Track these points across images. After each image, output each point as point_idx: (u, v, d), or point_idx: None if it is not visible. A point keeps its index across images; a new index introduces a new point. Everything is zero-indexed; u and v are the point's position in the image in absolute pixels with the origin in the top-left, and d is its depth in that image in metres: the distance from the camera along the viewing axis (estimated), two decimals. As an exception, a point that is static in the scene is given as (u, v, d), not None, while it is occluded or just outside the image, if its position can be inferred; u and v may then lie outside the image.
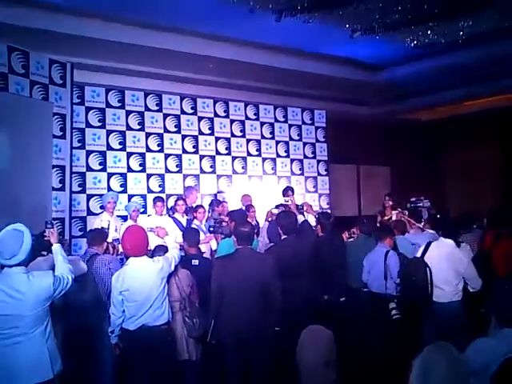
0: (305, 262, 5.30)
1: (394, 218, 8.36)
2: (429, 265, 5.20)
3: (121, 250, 5.53)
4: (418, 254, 5.47)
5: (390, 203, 9.04)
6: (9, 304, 3.54)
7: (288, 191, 9.08)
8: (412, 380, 2.35)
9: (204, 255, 6.57)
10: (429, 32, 8.59)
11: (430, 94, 12.40)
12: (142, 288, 4.52)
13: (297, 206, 7.33)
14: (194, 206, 8.59)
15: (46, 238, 4.27)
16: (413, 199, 8.81)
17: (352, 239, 7.48)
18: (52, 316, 3.81)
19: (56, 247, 4.08)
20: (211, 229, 7.58)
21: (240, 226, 4.93)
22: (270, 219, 7.37)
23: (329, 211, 6.86)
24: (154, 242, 5.45)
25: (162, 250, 5.02)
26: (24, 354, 3.58)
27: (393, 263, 6.10)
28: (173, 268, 4.80)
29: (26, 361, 3.58)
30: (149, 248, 4.98)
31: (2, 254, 3.61)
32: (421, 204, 8.67)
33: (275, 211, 7.17)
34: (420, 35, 8.74)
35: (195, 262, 5.52)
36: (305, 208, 7.42)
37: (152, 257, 4.80)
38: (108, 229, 6.10)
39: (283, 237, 5.45)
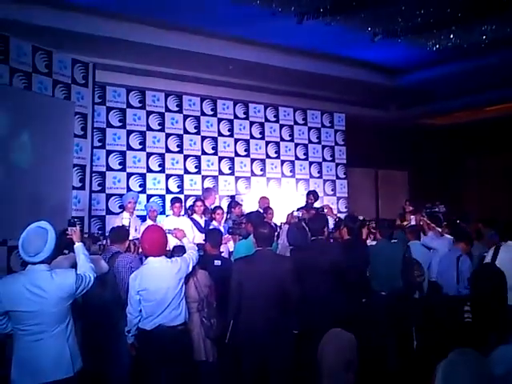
0: (331, 265, 5.27)
1: (412, 222, 8.30)
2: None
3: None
4: (488, 259, 5.50)
5: (411, 208, 8.99)
6: (32, 301, 3.56)
7: (310, 195, 9.12)
8: None
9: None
10: (451, 36, 8.52)
11: (450, 99, 12.31)
12: (159, 288, 4.52)
13: (317, 208, 7.34)
14: (212, 207, 8.60)
15: (68, 237, 4.28)
16: (428, 205, 8.74)
17: (370, 240, 7.44)
18: (73, 313, 3.84)
19: (78, 246, 4.09)
20: (230, 230, 7.58)
21: (260, 227, 4.92)
22: (290, 222, 7.34)
23: (356, 214, 6.80)
24: (172, 242, 5.47)
25: (180, 250, 5.02)
26: (46, 350, 3.61)
27: (465, 268, 6.21)
28: (190, 269, 4.78)
29: (48, 357, 3.61)
30: (168, 248, 4.98)
31: (26, 251, 3.63)
32: (437, 209, 8.60)
33: (296, 214, 7.16)
34: (442, 39, 8.68)
35: (218, 262, 5.52)
36: (325, 210, 7.41)
37: (171, 257, 4.80)
38: (129, 227, 6.12)
39: (312, 238, 5.47)
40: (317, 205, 9.66)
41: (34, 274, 3.66)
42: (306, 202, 9.31)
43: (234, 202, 9.22)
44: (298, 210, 7.37)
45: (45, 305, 3.58)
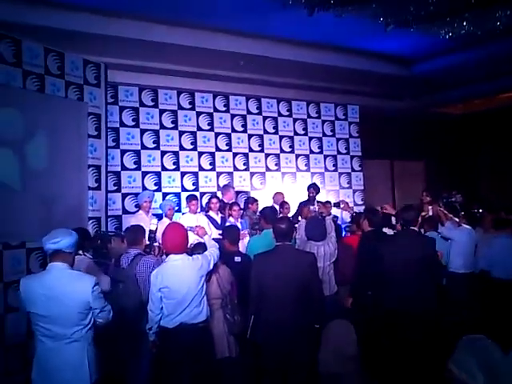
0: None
1: (430, 213, 8.23)
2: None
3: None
4: None
5: (428, 199, 8.90)
6: (47, 303, 3.58)
7: (311, 189, 9.10)
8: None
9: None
10: (464, 23, 8.39)
11: (464, 87, 12.16)
12: (180, 286, 4.51)
13: (334, 203, 7.36)
14: (229, 203, 8.59)
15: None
16: (444, 194, 8.63)
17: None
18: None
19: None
20: (256, 226, 7.54)
21: (278, 222, 4.90)
22: (306, 216, 7.31)
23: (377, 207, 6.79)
24: (191, 239, 5.45)
25: (201, 247, 5.01)
26: (65, 358, 3.62)
27: None
28: (211, 266, 4.77)
29: (67, 366, 3.62)
30: (188, 246, 4.97)
31: (48, 238, 3.68)
32: (454, 199, 8.49)
33: (312, 208, 7.14)
34: (455, 27, 8.54)
35: (238, 258, 5.51)
36: (342, 205, 7.39)
37: (191, 254, 4.79)
38: (155, 232, 6.08)
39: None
40: (332, 200, 9.63)
41: (52, 273, 3.66)
42: (308, 195, 9.28)
43: (251, 199, 9.22)
44: (304, 203, 7.35)
45: (60, 307, 3.58)
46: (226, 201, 8.69)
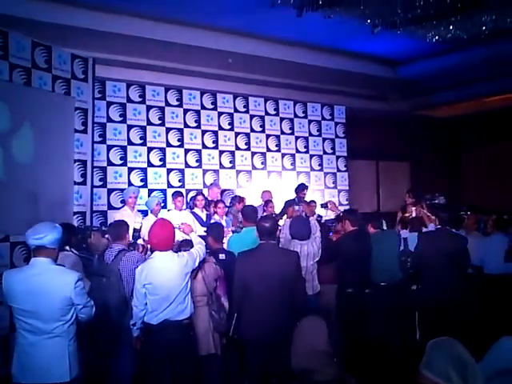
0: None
1: (414, 214, 8.28)
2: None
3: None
4: None
5: (411, 200, 8.97)
6: (28, 298, 3.57)
7: (304, 191, 9.15)
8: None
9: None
10: (451, 27, 8.51)
11: (450, 90, 12.30)
12: (165, 282, 4.52)
13: (321, 204, 7.43)
14: (214, 200, 8.62)
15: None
16: (428, 196, 8.70)
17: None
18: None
19: None
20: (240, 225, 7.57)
21: (261, 220, 4.92)
22: (291, 216, 7.36)
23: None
24: (177, 237, 5.45)
25: (188, 244, 5.02)
26: (44, 351, 3.61)
27: None
28: (197, 264, 4.78)
29: (45, 358, 3.60)
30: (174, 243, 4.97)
31: (31, 234, 3.65)
32: (436, 201, 8.55)
33: (297, 208, 7.19)
34: (442, 30, 8.66)
35: (222, 256, 5.52)
36: (329, 206, 7.45)
37: (178, 251, 4.80)
38: (140, 231, 6.07)
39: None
40: (319, 201, 9.68)
41: (35, 268, 3.66)
42: (300, 197, 9.31)
43: (237, 198, 9.23)
44: (297, 204, 7.40)
45: (42, 302, 3.57)
46: (210, 198, 8.71)
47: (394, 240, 6.50)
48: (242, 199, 9.11)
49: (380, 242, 6.23)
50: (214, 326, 4.97)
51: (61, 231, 3.76)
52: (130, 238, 5.78)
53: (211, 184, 9.60)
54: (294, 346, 2.88)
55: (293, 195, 9.43)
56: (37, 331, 3.60)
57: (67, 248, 5.09)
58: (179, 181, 10.02)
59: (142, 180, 9.61)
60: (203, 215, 8.32)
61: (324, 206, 7.77)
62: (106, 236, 5.87)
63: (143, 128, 9.72)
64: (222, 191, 9.95)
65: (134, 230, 6.00)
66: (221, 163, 10.57)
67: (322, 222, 7.80)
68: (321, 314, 5.80)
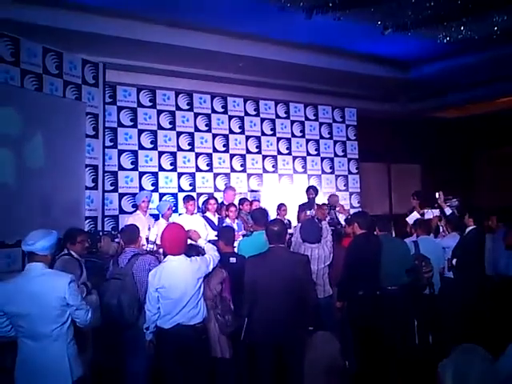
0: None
1: (427, 216, 8.19)
2: None
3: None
4: None
5: (415, 202, 8.92)
6: (24, 303, 3.59)
7: (310, 190, 9.13)
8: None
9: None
10: (462, 28, 8.44)
11: (461, 91, 12.23)
12: (177, 286, 4.52)
13: (330, 207, 7.39)
14: (226, 204, 8.61)
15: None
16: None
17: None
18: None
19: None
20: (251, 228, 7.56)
21: (270, 224, 4.90)
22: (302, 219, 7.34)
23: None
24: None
25: (193, 250, 5.01)
26: (45, 356, 3.63)
27: None
28: (210, 269, 4.78)
29: (47, 364, 3.63)
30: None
31: (25, 240, 3.71)
32: (449, 204, 8.46)
33: (309, 213, 7.16)
34: (453, 31, 8.60)
35: (233, 259, 5.50)
36: (337, 208, 7.42)
37: (190, 256, 4.79)
38: (155, 242, 6.09)
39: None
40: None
41: (29, 273, 3.70)
42: (308, 198, 9.30)
43: (242, 199, 9.21)
44: (310, 209, 7.38)
45: (37, 305, 3.60)
46: (225, 202, 8.71)
47: (399, 244, 6.41)
48: (245, 200, 9.10)
49: (387, 246, 6.15)
50: (219, 328, 4.95)
51: (54, 238, 3.80)
52: (144, 242, 5.81)
53: (226, 187, 9.59)
54: (308, 364, 2.87)
55: (302, 198, 9.41)
56: (36, 336, 3.62)
57: (65, 252, 5.13)
58: (190, 185, 10.03)
59: (153, 184, 9.63)
60: (215, 219, 8.31)
61: (332, 208, 7.74)
62: (116, 240, 5.89)
63: (154, 132, 9.75)
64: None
65: (148, 240, 6.01)
66: (232, 167, 10.58)
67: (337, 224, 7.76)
68: (334, 320, 5.89)
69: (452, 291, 6.67)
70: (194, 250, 5.01)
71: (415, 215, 8.08)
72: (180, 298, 4.52)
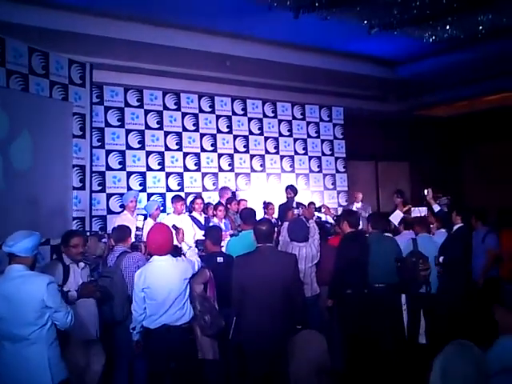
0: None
1: (413, 214, 8.21)
2: None
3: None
4: None
5: (398, 200, 8.96)
6: (2, 303, 3.57)
7: (288, 190, 9.18)
8: (433, 381, 2.31)
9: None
10: (447, 27, 8.52)
11: (448, 89, 12.29)
12: (163, 287, 4.51)
13: (316, 207, 7.44)
14: (212, 204, 8.64)
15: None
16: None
17: None
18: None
19: None
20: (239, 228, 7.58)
21: (258, 224, 4.90)
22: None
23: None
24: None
25: (174, 250, 4.99)
26: (23, 361, 3.57)
27: None
28: (196, 269, 4.79)
29: (26, 369, 3.57)
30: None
31: (6, 242, 3.67)
32: (439, 202, 8.48)
33: (296, 212, 7.19)
34: (439, 30, 8.67)
35: (220, 259, 5.50)
36: (323, 210, 7.45)
37: (175, 256, 4.79)
38: (142, 229, 6.09)
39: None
40: (317, 201, 9.69)
41: (8, 274, 3.67)
42: (287, 197, 9.35)
43: (229, 199, 9.21)
44: (297, 207, 7.40)
45: (15, 306, 3.56)
46: (222, 202, 8.76)
47: (388, 242, 6.44)
48: (233, 200, 9.12)
49: (377, 244, 6.18)
50: (200, 330, 4.92)
51: (36, 239, 3.75)
52: (133, 239, 5.83)
53: (222, 187, 9.61)
54: (293, 363, 2.87)
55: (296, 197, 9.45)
56: (14, 338, 3.57)
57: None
58: (178, 184, 10.02)
59: (140, 184, 9.61)
60: (201, 218, 8.32)
61: (318, 209, 7.76)
62: (104, 240, 5.90)
63: (141, 132, 9.73)
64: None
65: (137, 228, 6.02)
66: (220, 166, 10.58)
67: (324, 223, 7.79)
68: (321, 318, 5.91)
69: (439, 289, 6.69)
70: (176, 251, 5.01)
71: (398, 214, 8.10)
72: (165, 299, 4.51)
